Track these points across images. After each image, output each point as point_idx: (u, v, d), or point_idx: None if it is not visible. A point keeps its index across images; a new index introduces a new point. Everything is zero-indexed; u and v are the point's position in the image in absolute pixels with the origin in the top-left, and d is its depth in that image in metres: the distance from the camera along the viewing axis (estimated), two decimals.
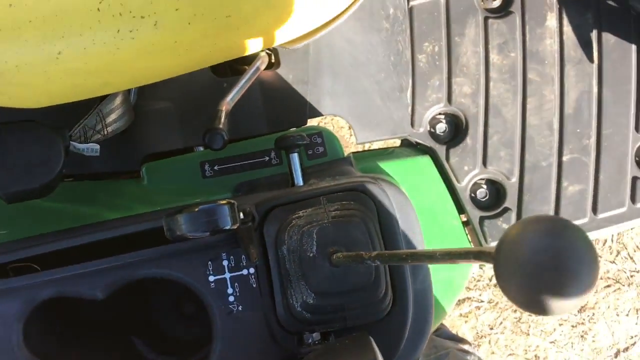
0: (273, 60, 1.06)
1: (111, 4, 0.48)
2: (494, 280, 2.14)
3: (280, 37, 0.66)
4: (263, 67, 0.89)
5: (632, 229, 1.89)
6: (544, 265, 0.33)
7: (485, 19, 1.20)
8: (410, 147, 1.25)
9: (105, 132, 0.74)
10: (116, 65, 0.52)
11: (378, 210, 0.71)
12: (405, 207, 0.75)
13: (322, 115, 1.08)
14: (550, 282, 0.33)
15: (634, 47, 1.17)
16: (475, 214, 1.22)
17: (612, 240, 2.12)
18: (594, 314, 2.13)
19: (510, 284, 0.35)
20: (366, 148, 1.32)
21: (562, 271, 0.33)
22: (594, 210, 1.20)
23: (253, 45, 0.64)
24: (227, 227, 0.54)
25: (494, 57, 1.20)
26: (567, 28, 1.19)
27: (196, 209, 0.54)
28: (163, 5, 0.49)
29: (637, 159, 1.21)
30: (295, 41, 0.81)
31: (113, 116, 0.73)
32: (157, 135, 0.94)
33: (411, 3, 1.20)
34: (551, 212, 1.22)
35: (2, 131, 0.61)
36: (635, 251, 2.13)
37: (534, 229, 0.35)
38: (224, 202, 0.55)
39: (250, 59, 0.92)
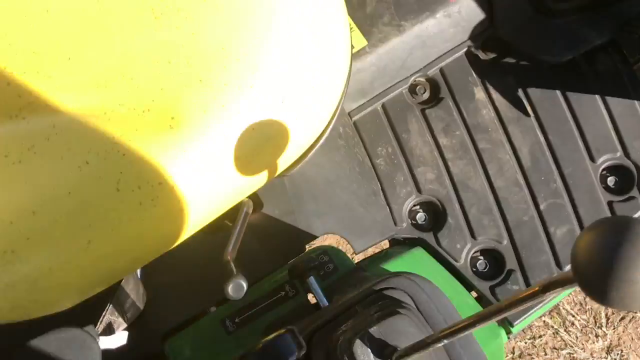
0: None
1: (129, 181, 0.50)
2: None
3: (266, 179, 0.70)
4: (250, 210, 0.92)
5: None
6: (623, 260, 0.36)
7: (422, 110, 1.30)
8: (401, 244, 1.28)
9: (126, 319, 0.73)
10: (144, 237, 0.53)
11: (415, 301, 0.72)
12: (436, 292, 0.76)
13: (316, 237, 1.10)
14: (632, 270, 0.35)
15: (557, 92, 1.29)
16: (483, 286, 1.24)
17: None
18: (622, 351, 2.10)
19: (603, 291, 0.36)
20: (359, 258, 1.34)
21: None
22: None
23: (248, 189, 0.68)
24: (294, 355, 0.53)
25: (442, 140, 1.29)
26: (496, 95, 1.30)
27: (259, 345, 0.53)
28: None
29: (603, 185, 1.28)
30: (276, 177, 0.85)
31: (129, 301, 0.73)
32: (171, 309, 0.93)
33: (354, 119, 1.29)
34: (550, 260, 1.25)
35: (42, 344, 0.60)
36: None
37: (597, 234, 0.38)
38: (283, 331, 0.55)
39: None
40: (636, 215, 1.25)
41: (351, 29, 1.27)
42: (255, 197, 1.06)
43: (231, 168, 0.59)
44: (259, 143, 0.60)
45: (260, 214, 1.04)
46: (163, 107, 0.54)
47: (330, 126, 0.76)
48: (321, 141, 0.79)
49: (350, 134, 1.26)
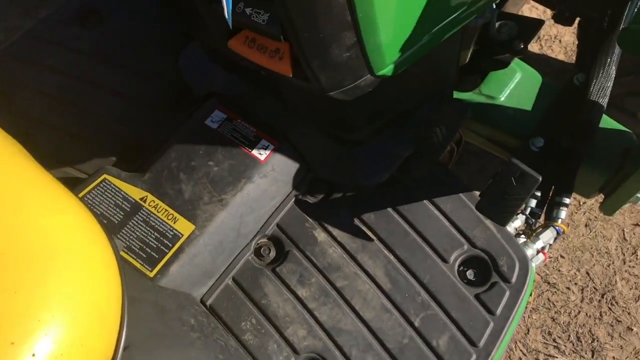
0: None
1: None
2: None
3: None
4: None
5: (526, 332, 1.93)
6: None
7: (273, 270, 1.29)
8: None
9: None
10: None
11: None
12: None
13: None
14: None
15: (388, 209, 1.33)
16: None
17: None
18: None
19: None
20: None
21: None
22: (472, 343, 1.22)
23: None
24: None
25: (301, 292, 1.26)
26: (336, 231, 1.32)
27: None
28: None
29: (465, 281, 1.29)
30: None
31: None
32: None
33: (208, 303, 1.25)
34: None
35: None
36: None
37: None
38: None
39: None
40: (502, 301, 1.26)
41: (175, 218, 1.27)
42: None
43: None
44: None
45: None
46: None
47: None
48: None
49: (205, 322, 1.21)
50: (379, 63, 1.00)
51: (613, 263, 2.04)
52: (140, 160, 1.38)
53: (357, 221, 1.33)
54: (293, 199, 1.36)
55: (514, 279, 1.29)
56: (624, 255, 2.05)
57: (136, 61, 1.59)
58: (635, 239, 2.07)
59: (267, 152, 1.33)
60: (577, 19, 1.77)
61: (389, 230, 1.32)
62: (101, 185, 1.26)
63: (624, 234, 2.08)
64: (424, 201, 1.34)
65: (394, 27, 0.94)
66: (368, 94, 1.09)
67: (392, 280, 1.27)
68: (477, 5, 1.09)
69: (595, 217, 2.12)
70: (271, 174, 1.33)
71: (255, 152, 1.33)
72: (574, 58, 2.41)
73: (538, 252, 1.41)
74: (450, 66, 1.35)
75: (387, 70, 1.03)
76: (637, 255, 2.04)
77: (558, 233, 1.43)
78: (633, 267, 2.03)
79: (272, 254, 1.32)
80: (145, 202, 1.28)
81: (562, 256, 2.08)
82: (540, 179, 1.13)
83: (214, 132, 1.35)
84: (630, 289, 1.99)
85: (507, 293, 1.27)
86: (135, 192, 1.27)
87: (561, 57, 2.41)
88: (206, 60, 1.47)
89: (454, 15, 1.05)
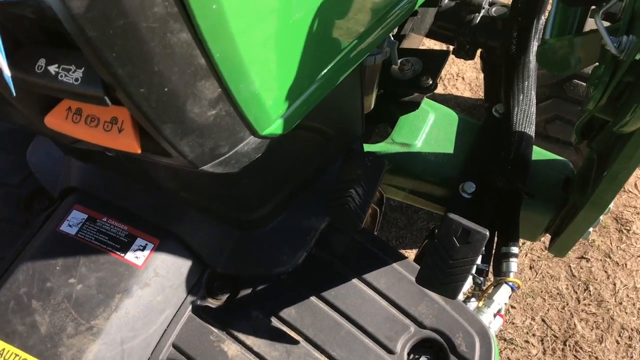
0: None
1: None
2: None
3: None
4: None
5: None
6: None
7: None
8: None
9: None
10: None
11: None
12: None
13: None
14: None
15: (311, 298, 1.07)
16: None
17: None
18: None
19: None
20: None
21: None
22: None
23: None
24: None
25: None
26: (250, 339, 1.04)
27: None
28: None
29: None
30: None
31: None
32: None
33: None
34: None
35: None
36: None
37: None
38: None
39: None
40: None
41: None
42: None
43: None
44: None
45: None
46: None
47: None
48: None
49: None
50: (262, 119, 0.75)
51: (567, 304, 1.85)
52: None
53: (274, 321, 1.05)
54: (190, 307, 1.07)
55: (476, 358, 1.04)
56: (576, 293, 1.87)
57: None
58: (583, 273, 1.90)
59: (146, 253, 1.04)
60: (479, 51, 1.64)
61: (316, 325, 1.05)
62: None
63: (571, 270, 1.91)
64: (353, 280, 1.09)
65: (271, 69, 0.71)
66: (258, 162, 0.84)
67: None
68: (372, 37, 0.88)
69: (538, 257, 1.95)
70: (155, 281, 1.03)
71: (129, 256, 1.03)
72: (481, 93, 2.30)
73: (494, 315, 1.19)
74: (354, 115, 1.13)
75: (275, 127, 0.79)
76: (589, 291, 1.87)
77: (512, 289, 1.21)
78: (589, 304, 1.85)
79: None
80: None
81: (512, 307, 1.87)
82: (488, 233, 0.91)
83: (73, 240, 1.04)
84: (592, 330, 1.80)
85: None
86: None
87: (467, 94, 2.29)
88: (58, 151, 1.18)
89: (346, 51, 0.84)
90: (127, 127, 0.66)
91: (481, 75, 2.36)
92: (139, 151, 0.68)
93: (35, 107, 0.69)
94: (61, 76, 0.58)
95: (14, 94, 0.53)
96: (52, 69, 0.58)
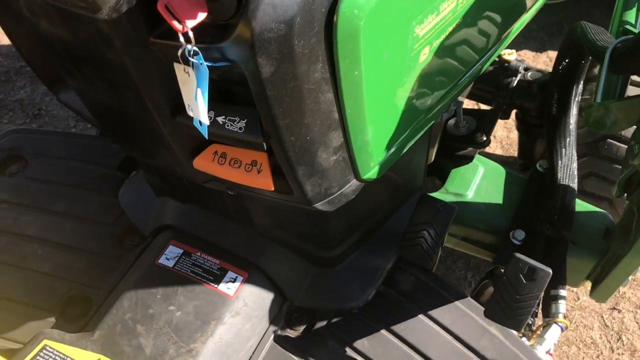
0: None
1: None
2: None
3: None
4: None
5: None
6: None
7: None
8: None
9: None
10: None
11: None
12: None
13: None
14: None
15: (382, 331, 1.17)
16: None
17: None
18: None
19: None
20: None
21: None
22: None
23: None
24: None
25: None
26: None
27: None
28: None
29: None
30: None
31: None
32: None
33: None
34: None
35: None
36: None
37: None
38: None
39: None
40: None
41: None
42: None
43: None
44: None
45: None
46: None
47: None
48: None
49: None
50: (365, 165, 0.89)
51: (602, 353, 1.93)
52: (85, 317, 1.17)
53: (349, 351, 1.15)
54: (272, 337, 1.17)
55: None
56: (610, 343, 1.95)
57: (65, 204, 1.40)
58: (616, 323, 1.98)
59: (236, 285, 1.15)
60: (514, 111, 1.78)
61: (388, 356, 1.15)
62: (42, 354, 1.03)
63: (604, 320, 1.99)
64: (419, 316, 1.19)
65: (381, 123, 0.85)
66: (348, 204, 0.97)
67: None
68: (450, 97, 1.03)
69: (572, 307, 2.03)
70: (244, 310, 1.15)
71: (222, 287, 1.15)
72: (512, 151, 2.44)
73: (545, 353, 1.28)
74: (420, 165, 1.27)
75: (373, 172, 0.92)
76: (622, 341, 1.94)
77: (562, 329, 1.31)
78: (622, 354, 1.92)
79: None
80: None
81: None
82: (551, 272, 1.03)
83: (171, 272, 1.16)
84: None
85: None
86: (84, 357, 1.04)
87: (499, 151, 2.44)
88: (150, 193, 1.32)
89: (432, 107, 0.98)
90: (264, 168, 0.80)
91: (511, 134, 2.51)
92: (272, 189, 0.81)
93: (187, 153, 0.83)
94: (227, 125, 0.72)
95: (206, 136, 0.67)
96: (220, 119, 0.72)
